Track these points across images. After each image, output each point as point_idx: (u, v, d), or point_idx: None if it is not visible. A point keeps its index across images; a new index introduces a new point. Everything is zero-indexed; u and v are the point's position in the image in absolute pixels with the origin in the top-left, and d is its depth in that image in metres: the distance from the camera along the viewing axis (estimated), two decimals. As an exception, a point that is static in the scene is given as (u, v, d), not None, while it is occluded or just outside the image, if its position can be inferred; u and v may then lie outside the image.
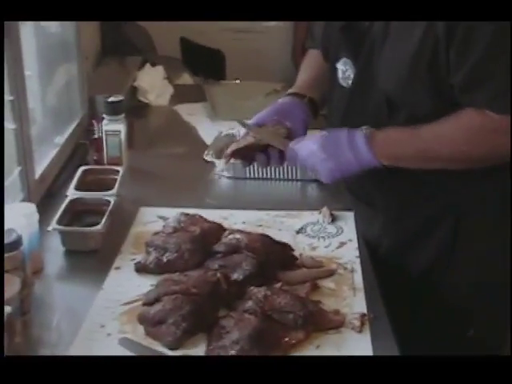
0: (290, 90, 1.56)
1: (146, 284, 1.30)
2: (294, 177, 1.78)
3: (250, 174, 1.79)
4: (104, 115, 1.77)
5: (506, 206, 1.38)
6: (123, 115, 1.78)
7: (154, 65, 2.40)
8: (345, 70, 1.41)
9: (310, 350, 1.16)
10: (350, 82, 1.40)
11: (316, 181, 1.76)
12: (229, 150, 1.46)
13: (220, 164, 1.81)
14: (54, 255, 1.42)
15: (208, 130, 2.06)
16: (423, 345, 1.41)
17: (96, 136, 1.79)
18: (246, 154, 1.47)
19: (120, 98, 1.78)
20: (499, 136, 1.23)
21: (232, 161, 1.80)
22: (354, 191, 1.56)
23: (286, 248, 1.41)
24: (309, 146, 1.35)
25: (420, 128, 1.29)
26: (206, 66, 2.49)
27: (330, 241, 1.48)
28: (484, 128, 1.25)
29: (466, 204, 1.39)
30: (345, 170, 1.33)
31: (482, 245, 1.41)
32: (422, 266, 1.45)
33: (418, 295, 1.45)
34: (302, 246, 1.46)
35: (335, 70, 1.44)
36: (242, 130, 1.93)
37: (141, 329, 1.19)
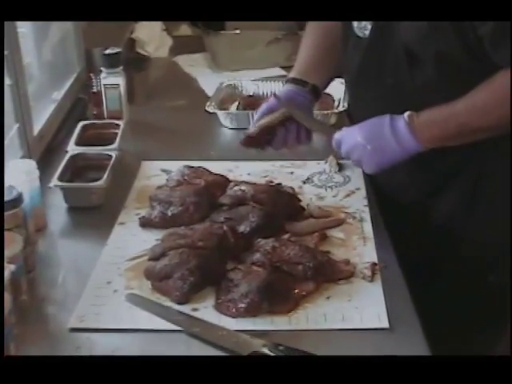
0: (291, 75, 1.49)
1: (151, 239, 1.28)
2: (299, 126, 1.74)
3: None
4: (102, 68, 1.73)
5: None
6: (121, 68, 1.74)
7: (151, 16, 2.34)
8: None
9: (320, 301, 1.14)
10: (367, 32, 1.33)
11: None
12: (256, 128, 1.39)
13: (222, 115, 1.77)
14: (57, 212, 1.40)
15: (209, 81, 2.02)
16: (437, 292, 1.39)
17: (95, 90, 1.75)
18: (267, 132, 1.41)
19: (117, 49, 1.74)
20: None
21: (235, 111, 1.79)
22: None
23: (292, 198, 1.38)
24: (353, 138, 1.31)
25: (456, 103, 1.24)
26: (204, 15, 2.42)
27: (338, 190, 1.45)
28: None
29: (488, 154, 1.34)
30: (391, 160, 1.29)
31: (504, 195, 1.37)
32: (443, 215, 1.41)
33: (439, 243, 1.42)
34: (309, 197, 1.43)
35: None
36: (244, 82, 1.91)
37: (147, 284, 1.17)
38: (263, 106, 1.43)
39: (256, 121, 1.42)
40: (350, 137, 1.31)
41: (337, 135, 1.34)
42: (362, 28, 1.34)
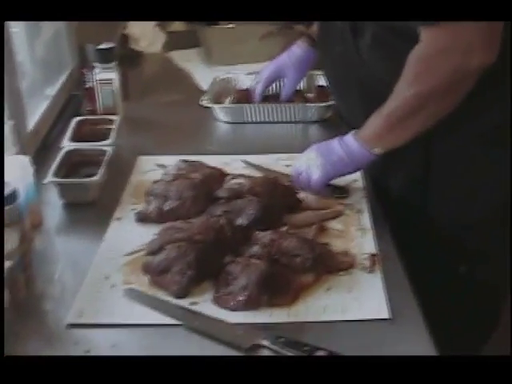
0: None
1: (148, 233, 1.27)
2: (294, 118, 1.73)
3: (248, 117, 1.74)
4: (95, 64, 1.71)
5: (478, 139, 1.33)
6: (115, 63, 1.72)
7: (144, 11, 2.33)
8: None
9: (320, 293, 1.13)
10: None
11: (317, 122, 1.73)
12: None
13: (217, 109, 1.76)
14: (53, 209, 1.39)
15: (204, 76, 2.01)
16: (435, 281, 1.38)
17: (88, 86, 1.73)
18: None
19: (111, 45, 1.72)
20: (437, 56, 1.19)
21: (229, 105, 1.79)
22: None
23: (289, 190, 1.38)
24: (303, 154, 1.39)
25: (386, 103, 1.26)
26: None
27: (335, 182, 1.44)
28: (421, 57, 1.20)
29: (436, 135, 1.33)
30: (338, 167, 1.33)
31: (456, 178, 1.38)
32: (397, 199, 1.44)
33: (413, 231, 1.42)
34: (306, 188, 1.42)
35: None
36: (239, 76, 1.91)
37: (145, 279, 1.16)
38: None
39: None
40: (301, 155, 1.39)
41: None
42: None
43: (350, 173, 1.36)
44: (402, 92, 1.23)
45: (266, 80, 1.75)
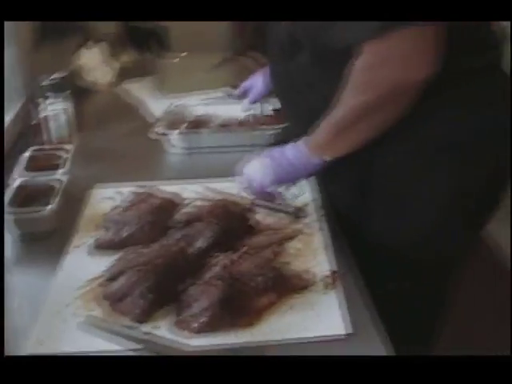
0: None
1: (107, 260, 1.25)
2: (251, 143, 1.74)
3: (204, 143, 1.75)
4: (48, 94, 1.70)
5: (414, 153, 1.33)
6: (68, 92, 1.71)
7: (97, 42, 2.33)
8: None
9: (283, 312, 1.13)
10: None
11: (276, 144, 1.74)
12: None
13: (173, 135, 1.76)
14: (8, 239, 1.36)
15: (158, 104, 2.01)
16: (393, 293, 1.39)
17: (42, 116, 1.72)
18: None
19: (63, 74, 1.72)
20: (373, 67, 1.20)
21: (185, 130, 1.79)
22: None
23: (248, 212, 1.38)
24: (256, 159, 1.39)
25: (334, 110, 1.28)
26: (150, 39, 2.42)
27: (294, 201, 1.45)
28: (365, 67, 1.21)
29: (375, 150, 1.34)
30: (290, 172, 1.34)
31: (394, 194, 1.38)
32: (344, 215, 1.44)
33: (362, 246, 1.40)
34: (265, 210, 1.42)
35: None
36: (193, 102, 1.92)
37: (106, 305, 1.15)
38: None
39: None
40: (253, 159, 1.39)
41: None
42: None
43: (300, 179, 1.38)
44: (348, 100, 1.25)
45: (245, 84, 1.89)
